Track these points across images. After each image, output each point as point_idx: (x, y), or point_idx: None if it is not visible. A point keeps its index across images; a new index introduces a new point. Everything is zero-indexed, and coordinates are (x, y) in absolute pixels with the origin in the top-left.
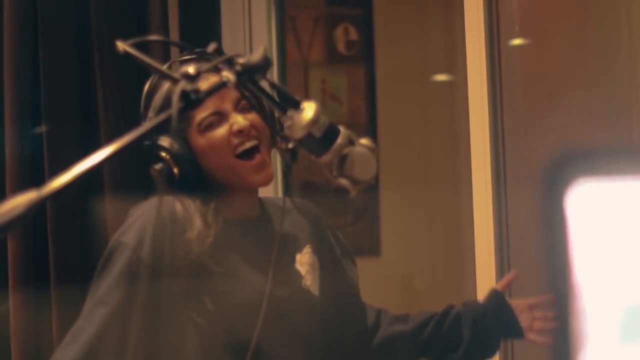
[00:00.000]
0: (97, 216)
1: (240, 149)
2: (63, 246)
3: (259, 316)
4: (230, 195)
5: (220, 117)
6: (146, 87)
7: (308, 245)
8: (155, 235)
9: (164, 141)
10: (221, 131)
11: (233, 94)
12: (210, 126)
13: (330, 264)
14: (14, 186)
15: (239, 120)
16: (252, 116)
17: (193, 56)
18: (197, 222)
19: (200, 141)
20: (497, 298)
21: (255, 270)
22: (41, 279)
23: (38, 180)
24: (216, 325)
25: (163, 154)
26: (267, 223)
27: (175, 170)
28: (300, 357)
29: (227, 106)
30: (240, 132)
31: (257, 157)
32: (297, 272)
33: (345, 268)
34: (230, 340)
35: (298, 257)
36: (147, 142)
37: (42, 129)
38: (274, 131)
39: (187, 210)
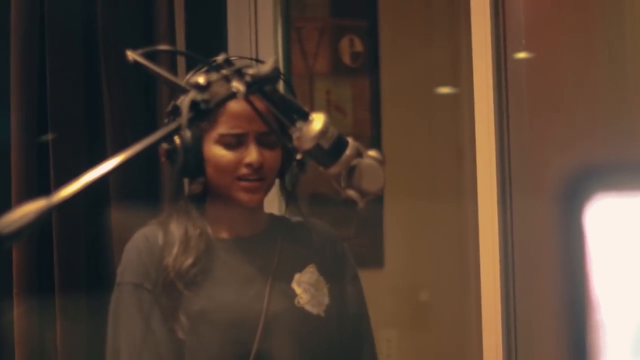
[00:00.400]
0: (102, 224)
1: (244, 183)
2: (68, 254)
3: (239, 334)
4: (228, 207)
5: (239, 140)
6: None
7: (312, 265)
8: (148, 261)
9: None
10: (233, 157)
11: (260, 124)
12: (227, 145)
13: (339, 290)
14: (20, 194)
15: (254, 154)
16: (270, 154)
17: (204, 67)
18: (175, 249)
19: (212, 152)
20: None
21: (239, 288)
22: (45, 287)
23: (44, 189)
24: (197, 344)
25: (176, 138)
26: (266, 241)
27: (180, 158)
28: None
29: (251, 133)
30: (249, 166)
31: (256, 183)
32: (292, 291)
33: (351, 302)
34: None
35: (297, 276)
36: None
37: (49, 137)
38: (286, 147)
39: (169, 237)
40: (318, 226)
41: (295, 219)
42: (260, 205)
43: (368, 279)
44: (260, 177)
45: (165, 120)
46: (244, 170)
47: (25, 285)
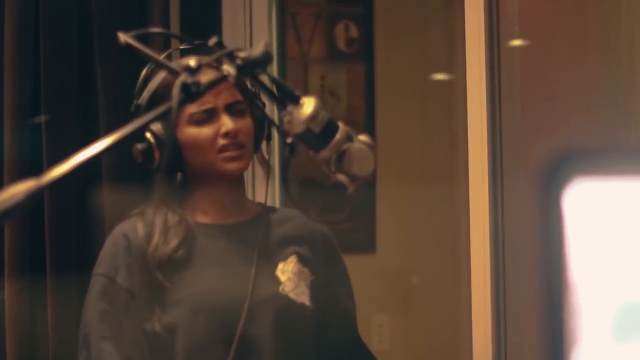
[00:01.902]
0: (94, 206)
1: (225, 153)
2: (60, 236)
3: (222, 320)
4: (211, 193)
5: (210, 114)
6: (141, 76)
7: (295, 256)
8: (123, 257)
9: (154, 125)
10: (208, 131)
11: (227, 94)
12: (199, 122)
13: (325, 284)
14: (13, 177)
15: (228, 123)
16: (242, 122)
17: (190, 46)
18: (155, 239)
19: (186, 134)
20: None
21: (222, 274)
22: (37, 268)
23: (37, 171)
24: (181, 331)
25: (148, 135)
26: (250, 229)
27: (157, 154)
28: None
29: (220, 105)
30: (227, 135)
31: (237, 151)
32: (277, 278)
33: (339, 296)
34: (193, 343)
35: (281, 265)
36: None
37: (42, 120)
38: (268, 128)
39: (148, 228)
40: (307, 219)
41: (288, 210)
42: (236, 182)
43: (360, 263)
44: (239, 145)
45: (135, 99)
46: (221, 141)
47: (17, 267)
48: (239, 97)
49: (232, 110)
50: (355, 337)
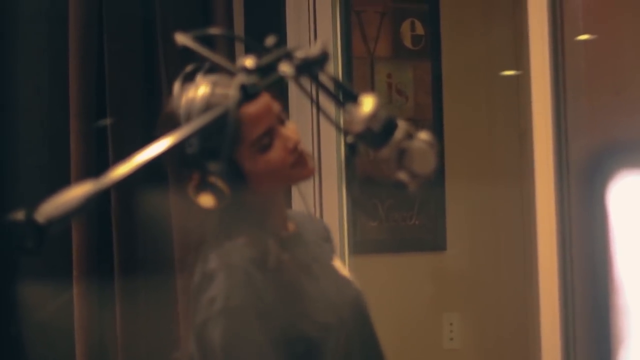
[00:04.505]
0: (161, 207)
1: (298, 165)
2: (127, 237)
3: (338, 321)
4: (273, 206)
5: (271, 135)
6: (168, 106)
7: (332, 252)
8: (252, 286)
9: (213, 167)
10: (277, 152)
11: (275, 107)
12: (265, 147)
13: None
14: (79, 178)
15: (290, 135)
16: (292, 126)
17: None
18: (269, 261)
19: (257, 163)
20: None
21: (315, 281)
22: (105, 270)
23: (103, 173)
24: (309, 345)
25: (213, 180)
26: (303, 236)
27: (226, 190)
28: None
29: (274, 122)
30: (294, 150)
31: (302, 157)
32: (346, 275)
33: None
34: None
35: (336, 263)
36: (191, 151)
37: (107, 123)
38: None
39: (254, 252)
40: (313, 218)
41: (297, 211)
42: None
43: (430, 262)
44: (303, 151)
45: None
46: (292, 157)
47: (85, 269)
48: (277, 104)
49: (281, 121)
50: None
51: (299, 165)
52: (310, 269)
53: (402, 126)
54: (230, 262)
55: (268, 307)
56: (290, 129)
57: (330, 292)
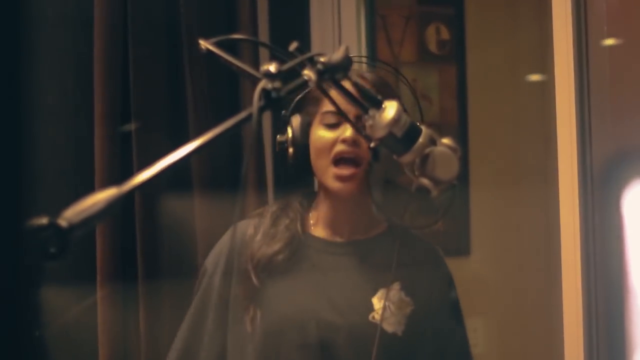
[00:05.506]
0: (185, 212)
1: (337, 170)
2: (151, 242)
3: (303, 338)
4: (333, 206)
5: (339, 121)
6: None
7: (398, 283)
8: (226, 253)
9: (295, 120)
10: (331, 135)
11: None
12: (328, 125)
13: (431, 315)
14: (103, 184)
15: (350, 132)
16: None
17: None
18: (259, 240)
19: (314, 133)
20: None
21: (314, 293)
22: (129, 275)
23: (127, 178)
24: (266, 339)
25: (289, 131)
26: (361, 250)
27: (290, 150)
28: None
29: (351, 113)
30: (345, 141)
31: (350, 169)
32: (370, 305)
33: (447, 329)
34: (271, 351)
35: (382, 291)
36: (284, 112)
37: (132, 127)
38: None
39: (258, 228)
40: (421, 246)
41: (410, 233)
42: (356, 200)
43: (454, 267)
44: (353, 159)
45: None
46: (339, 147)
47: (109, 274)
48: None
49: (361, 126)
50: None
51: (339, 174)
52: (314, 278)
53: (425, 132)
54: (231, 229)
55: (225, 280)
56: (360, 138)
57: (301, 310)
